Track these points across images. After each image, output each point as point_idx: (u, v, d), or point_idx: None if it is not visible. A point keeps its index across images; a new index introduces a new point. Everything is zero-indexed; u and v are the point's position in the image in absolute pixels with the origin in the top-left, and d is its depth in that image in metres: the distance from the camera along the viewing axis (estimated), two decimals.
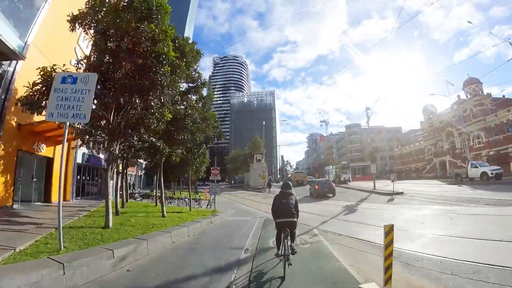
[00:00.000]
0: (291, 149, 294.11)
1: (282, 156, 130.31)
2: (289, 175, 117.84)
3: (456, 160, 43.76)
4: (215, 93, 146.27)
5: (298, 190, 25.47)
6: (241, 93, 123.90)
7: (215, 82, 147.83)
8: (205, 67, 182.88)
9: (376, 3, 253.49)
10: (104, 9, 7.50)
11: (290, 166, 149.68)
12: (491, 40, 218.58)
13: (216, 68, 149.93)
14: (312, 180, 46.07)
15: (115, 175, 23.15)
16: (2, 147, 10.00)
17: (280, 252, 4.85)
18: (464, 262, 5.03)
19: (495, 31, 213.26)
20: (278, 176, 79.25)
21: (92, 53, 10.19)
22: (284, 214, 5.03)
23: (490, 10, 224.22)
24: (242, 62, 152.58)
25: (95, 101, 7.24)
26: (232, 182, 78.51)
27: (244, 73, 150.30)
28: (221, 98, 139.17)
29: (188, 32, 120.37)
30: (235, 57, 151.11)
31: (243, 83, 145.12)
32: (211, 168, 16.22)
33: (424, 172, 50.83)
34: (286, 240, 4.74)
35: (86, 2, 7.63)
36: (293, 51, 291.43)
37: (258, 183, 44.05)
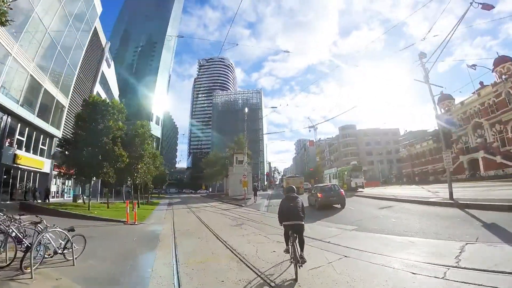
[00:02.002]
0: (277, 157, 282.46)
1: (269, 163, 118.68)
2: (277, 183, 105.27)
3: (494, 157, 33.28)
4: (199, 96, 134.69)
5: None
6: (225, 91, 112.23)
7: (200, 85, 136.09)
8: (194, 73, 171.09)
9: (365, 15, 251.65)
10: None
11: (278, 172, 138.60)
12: (473, 49, 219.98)
13: (201, 70, 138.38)
14: (309, 187, 34.38)
15: None
16: None
17: (289, 250, 4.80)
18: None
19: (477, 42, 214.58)
20: (266, 183, 66.74)
21: None
22: (292, 217, 4.86)
23: (473, 22, 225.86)
24: (229, 64, 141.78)
25: None
26: (210, 190, 65.31)
27: (230, 75, 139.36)
28: (206, 101, 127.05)
29: (172, 33, 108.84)
30: (221, 59, 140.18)
31: (229, 85, 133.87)
32: None
33: (446, 174, 40.12)
34: (295, 244, 4.60)
35: None
36: (284, 60, 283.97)
37: (239, 192, 32.18)
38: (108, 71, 47.50)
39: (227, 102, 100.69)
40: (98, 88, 41.53)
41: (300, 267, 4.40)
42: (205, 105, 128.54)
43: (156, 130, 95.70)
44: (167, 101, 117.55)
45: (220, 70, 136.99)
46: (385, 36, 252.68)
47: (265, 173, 66.13)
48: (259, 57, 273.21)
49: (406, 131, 61.17)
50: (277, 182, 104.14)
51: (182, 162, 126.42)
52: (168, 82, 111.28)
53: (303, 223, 4.87)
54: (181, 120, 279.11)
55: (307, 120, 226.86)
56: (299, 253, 4.50)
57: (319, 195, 15.99)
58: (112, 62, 49.63)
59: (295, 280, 4.27)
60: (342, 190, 16.48)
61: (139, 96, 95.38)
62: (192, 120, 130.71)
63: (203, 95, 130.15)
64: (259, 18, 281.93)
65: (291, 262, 4.62)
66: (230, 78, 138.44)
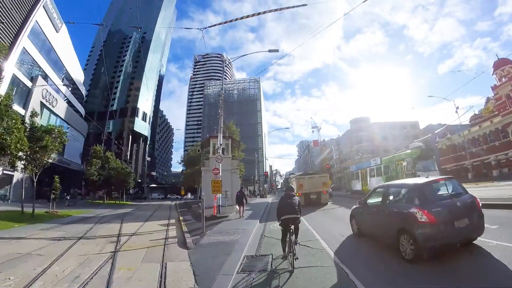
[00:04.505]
0: (279, 161, 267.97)
1: (270, 166, 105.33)
2: (279, 186, 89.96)
3: None
4: (195, 94, 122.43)
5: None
6: (218, 81, 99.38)
7: (195, 82, 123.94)
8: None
9: (366, 19, 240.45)
10: None
11: (280, 175, 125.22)
12: (473, 51, 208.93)
13: (197, 67, 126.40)
14: (330, 192, 21.17)
15: None
16: None
17: (286, 253, 5.07)
18: None
19: (477, 43, 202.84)
20: (265, 186, 53.16)
21: None
22: (289, 212, 5.22)
23: (475, 24, 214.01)
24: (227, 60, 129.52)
25: None
26: (190, 196, 51.85)
27: (228, 72, 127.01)
28: (201, 100, 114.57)
29: (162, 32, 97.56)
30: (219, 54, 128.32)
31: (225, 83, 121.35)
32: None
33: None
34: (291, 237, 4.91)
35: None
36: (288, 64, 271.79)
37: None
38: (56, 36, 35.09)
39: (219, 92, 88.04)
40: (29, 48, 28.98)
41: (296, 259, 4.69)
42: (200, 103, 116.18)
43: (142, 128, 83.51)
44: (162, 102, 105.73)
45: (216, 67, 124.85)
46: (387, 38, 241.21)
47: (264, 172, 50.88)
48: (262, 61, 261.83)
49: (460, 111, 47.42)
50: (279, 186, 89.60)
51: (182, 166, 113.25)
52: (158, 81, 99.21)
53: (298, 216, 5.33)
54: (182, 125, 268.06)
55: (309, 123, 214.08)
56: (294, 240, 4.94)
57: (425, 216, 4.42)
58: (63, 25, 37.16)
59: (292, 271, 4.50)
60: (477, 199, 5.14)
61: (124, 90, 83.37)
62: (187, 119, 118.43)
63: (198, 93, 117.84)
64: (261, 23, 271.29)
65: (289, 254, 4.84)
66: (227, 75, 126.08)
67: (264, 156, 61.87)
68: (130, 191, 43.81)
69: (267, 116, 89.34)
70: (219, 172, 12.83)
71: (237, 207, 14.09)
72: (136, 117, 78.58)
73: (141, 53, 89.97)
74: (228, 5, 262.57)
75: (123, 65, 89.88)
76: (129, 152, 74.33)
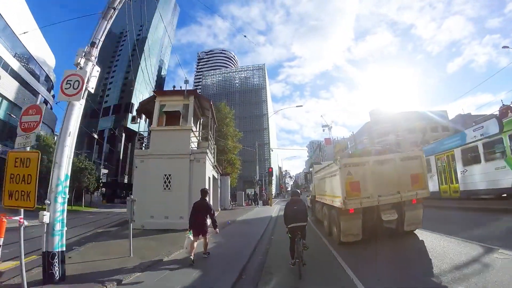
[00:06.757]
0: (288, 163, 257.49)
1: (280, 167, 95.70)
2: (289, 189, 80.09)
3: None
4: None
5: None
6: (217, 70, 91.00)
7: (198, 81, 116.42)
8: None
9: (374, 20, 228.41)
10: None
11: (290, 177, 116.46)
12: (482, 48, 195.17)
13: (200, 64, 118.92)
14: None
15: None
16: None
17: (294, 261, 4.77)
18: None
19: (486, 40, 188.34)
20: (274, 186, 43.21)
21: None
22: (297, 220, 4.92)
23: (485, 21, 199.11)
24: (231, 56, 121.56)
25: None
26: None
27: (232, 69, 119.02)
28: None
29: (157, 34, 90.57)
30: (223, 50, 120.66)
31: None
32: None
33: None
34: (299, 243, 4.72)
35: None
36: (299, 65, 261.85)
37: (167, 210, 9.23)
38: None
39: (220, 84, 79.06)
40: None
41: (304, 265, 4.51)
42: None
43: (137, 125, 75.84)
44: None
45: (221, 63, 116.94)
46: (396, 39, 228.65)
47: (268, 169, 39.05)
48: (272, 65, 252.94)
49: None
50: (289, 189, 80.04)
51: None
52: (157, 77, 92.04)
53: (306, 224, 4.97)
54: None
55: (318, 124, 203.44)
56: (302, 245, 4.64)
57: None
58: None
59: (299, 278, 4.34)
60: None
61: (119, 86, 76.48)
62: None
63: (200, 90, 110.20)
64: (268, 27, 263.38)
65: (296, 260, 4.65)
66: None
67: (269, 148, 52.12)
68: (95, 193, 35.32)
69: (276, 118, 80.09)
70: (38, 125, 3.88)
71: (189, 239, 5.65)
72: (129, 113, 71.14)
73: (137, 47, 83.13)
74: (235, 10, 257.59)
75: (118, 60, 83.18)
76: (122, 150, 67.01)
